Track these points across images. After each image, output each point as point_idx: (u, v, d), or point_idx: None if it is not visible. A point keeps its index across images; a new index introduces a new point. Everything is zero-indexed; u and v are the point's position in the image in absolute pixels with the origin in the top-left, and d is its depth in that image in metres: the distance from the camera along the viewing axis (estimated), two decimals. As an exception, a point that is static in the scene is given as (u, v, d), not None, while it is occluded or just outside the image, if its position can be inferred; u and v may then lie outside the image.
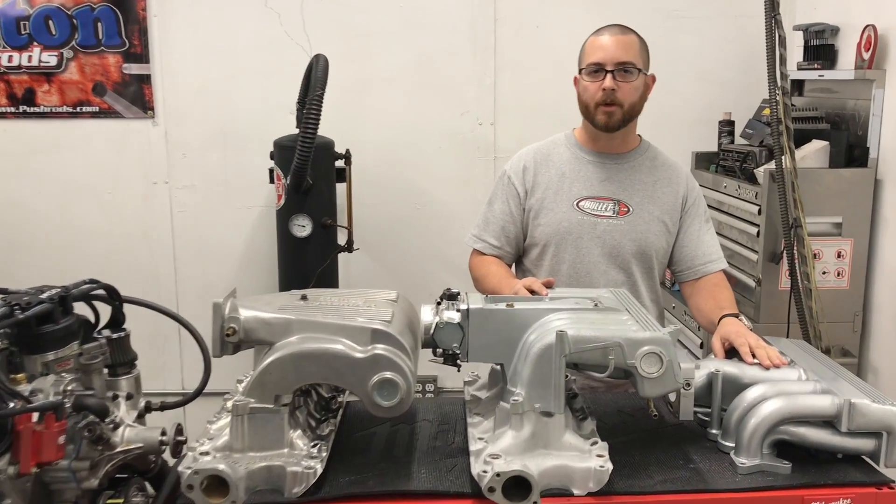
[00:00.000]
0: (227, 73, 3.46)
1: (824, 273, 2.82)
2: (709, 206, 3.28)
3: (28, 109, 3.43)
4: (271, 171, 3.16)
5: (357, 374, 1.56)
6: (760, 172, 2.82)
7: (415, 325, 1.70)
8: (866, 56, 2.83)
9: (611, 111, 2.07)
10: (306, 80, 2.92)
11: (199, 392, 1.83)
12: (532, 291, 1.87)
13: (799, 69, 3.21)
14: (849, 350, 2.86)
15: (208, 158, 3.52)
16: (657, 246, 2.14)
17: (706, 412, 1.68)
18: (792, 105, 3.01)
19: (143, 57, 3.42)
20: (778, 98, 2.64)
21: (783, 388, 1.60)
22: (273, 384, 1.56)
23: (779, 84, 2.65)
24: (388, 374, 1.55)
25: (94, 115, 3.46)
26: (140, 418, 1.53)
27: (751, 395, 1.60)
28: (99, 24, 3.38)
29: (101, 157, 3.50)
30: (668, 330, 1.58)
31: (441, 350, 1.65)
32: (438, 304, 1.69)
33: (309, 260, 3.09)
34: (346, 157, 3.18)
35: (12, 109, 3.43)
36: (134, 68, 3.43)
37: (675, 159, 2.23)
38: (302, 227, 3.06)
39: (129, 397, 1.51)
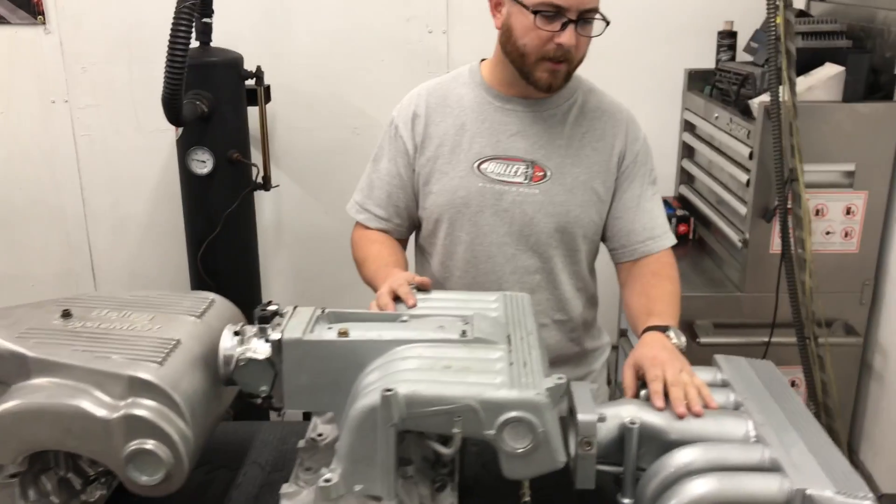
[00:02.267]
0: (130, -31, 2.89)
1: (828, 233, 2.27)
2: (699, 138, 2.75)
3: None
4: (172, 91, 2.64)
5: (103, 442, 1.15)
6: (755, 104, 2.23)
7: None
8: (905, -49, 2.17)
9: (558, 69, 1.51)
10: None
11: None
12: (399, 298, 1.39)
13: (820, -35, 2.55)
14: (853, 326, 2.33)
15: (112, 73, 2.98)
16: (584, 221, 1.62)
17: (618, 471, 1.26)
18: (805, 15, 2.38)
19: (26, -52, 2.87)
20: (778, 6, 2.01)
21: (719, 456, 1.17)
22: (-10, 450, 1.15)
23: (780, -10, 2.01)
24: (147, 444, 1.14)
25: (-27, 21, 2.94)
26: None
27: (675, 461, 1.18)
28: None
29: (-12, 71, 3.00)
30: (546, 385, 1.12)
31: (252, 392, 1.25)
32: (237, 333, 1.23)
33: (214, 201, 2.60)
34: (258, 75, 2.64)
35: None
36: (17, -38, 2.88)
37: (615, 99, 1.66)
38: (202, 162, 2.55)
39: None
